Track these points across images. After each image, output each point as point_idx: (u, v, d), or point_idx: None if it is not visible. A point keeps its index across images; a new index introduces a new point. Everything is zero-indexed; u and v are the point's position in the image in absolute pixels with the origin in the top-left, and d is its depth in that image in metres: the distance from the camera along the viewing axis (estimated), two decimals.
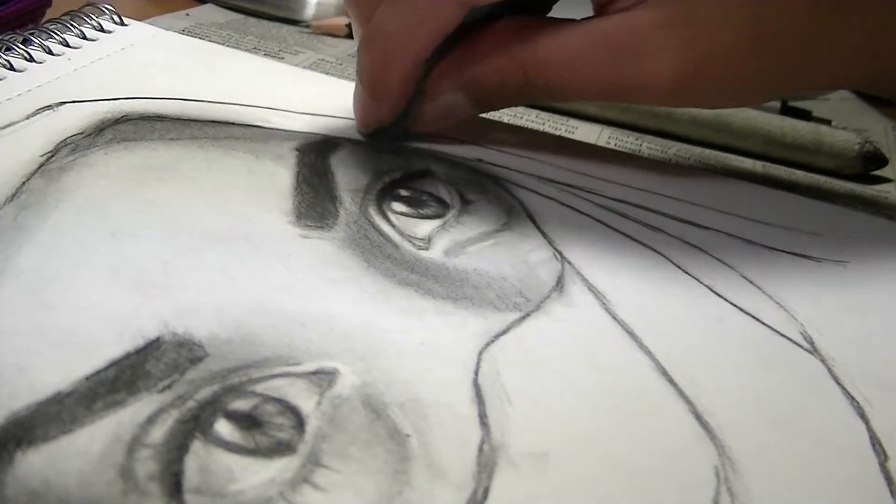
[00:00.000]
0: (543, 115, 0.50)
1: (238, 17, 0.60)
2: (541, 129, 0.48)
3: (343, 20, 0.58)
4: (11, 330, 0.26)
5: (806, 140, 0.46)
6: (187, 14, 0.58)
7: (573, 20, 0.36)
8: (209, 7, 0.62)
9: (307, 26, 0.59)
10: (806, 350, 0.30)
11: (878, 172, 0.46)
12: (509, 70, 0.37)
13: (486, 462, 0.24)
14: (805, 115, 0.50)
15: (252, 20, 0.60)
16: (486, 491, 0.23)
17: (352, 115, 0.41)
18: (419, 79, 0.38)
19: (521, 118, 0.49)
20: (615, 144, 0.47)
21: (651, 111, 0.48)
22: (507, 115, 0.49)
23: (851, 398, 0.28)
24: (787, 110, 0.51)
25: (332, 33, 0.58)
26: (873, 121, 0.54)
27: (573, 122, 0.49)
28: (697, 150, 0.48)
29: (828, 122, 0.50)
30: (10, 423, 0.23)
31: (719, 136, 0.48)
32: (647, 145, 0.47)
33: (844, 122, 0.51)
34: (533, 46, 0.36)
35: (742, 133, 0.47)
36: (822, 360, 0.29)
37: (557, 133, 0.48)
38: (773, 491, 0.24)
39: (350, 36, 0.58)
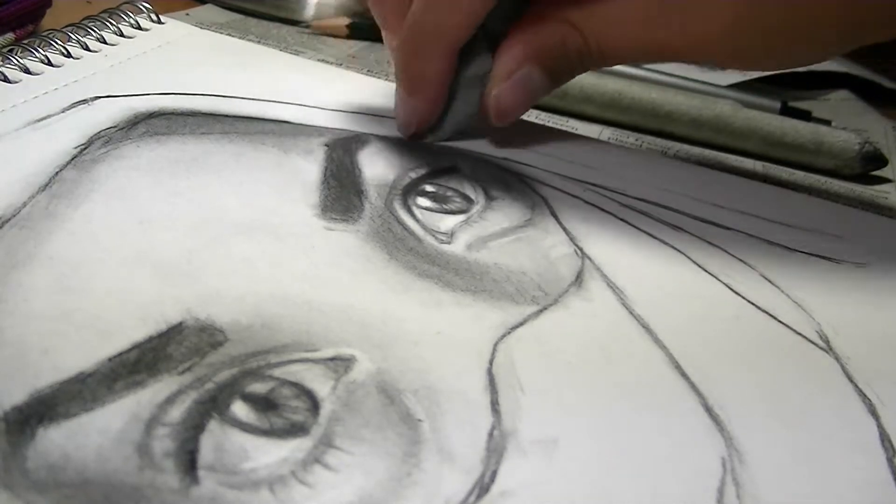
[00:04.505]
0: (544, 115, 0.50)
1: (238, 18, 0.60)
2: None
3: (343, 20, 0.58)
4: (38, 313, 0.26)
5: (806, 140, 0.46)
6: (187, 14, 0.59)
7: None
8: (209, 7, 0.62)
9: (307, 26, 0.59)
10: (821, 348, 0.30)
11: (877, 173, 0.46)
12: (570, 34, 0.37)
13: (496, 447, 0.24)
14: (805, 116, 0.50)
15: (252, 20, 0.60)
16: (494, 475, 0.23)
17: (381, 112, 0.41)
18: (455, 70, 0.38)
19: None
20: None
21: (651, 111, 0.49)
22: None
23: (863, 395, 0.28)
24: (787, 110, 0.51)
25: (332, 33, 0.58)
26: (873, 121, 0.54)
27: (573, 122, 0.49)
28: (697, 150, 0.48)
29: (828, 123, 0.49)
30: (33, 400, 0.23)
31: (719, 136, 0.48)
32: (647, 146, 0.47)
33: (844, 123, 0.51)
34: (589, 8, 0.36)
35: (742, 133, 0.47)
36: (837, 359, 0.30)
37: None
38: (778, 482, 0.24)
39: (350, 36, 0.58)
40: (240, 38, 0.53)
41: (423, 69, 0.38)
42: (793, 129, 0.47)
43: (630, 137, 0.48)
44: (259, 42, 0.55)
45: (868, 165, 0.46)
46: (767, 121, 0.47)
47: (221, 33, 0.54)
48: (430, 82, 0.38)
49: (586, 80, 0.49)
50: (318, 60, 0.53)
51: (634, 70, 0.53)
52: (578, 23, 0.37)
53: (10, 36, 0.46)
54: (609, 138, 0.48)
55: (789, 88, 0.56)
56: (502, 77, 0.38)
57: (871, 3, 0.33)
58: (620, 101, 0.49)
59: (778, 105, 0.51)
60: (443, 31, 0.37)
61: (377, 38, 0.56)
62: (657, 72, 0.53)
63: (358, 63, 0.53)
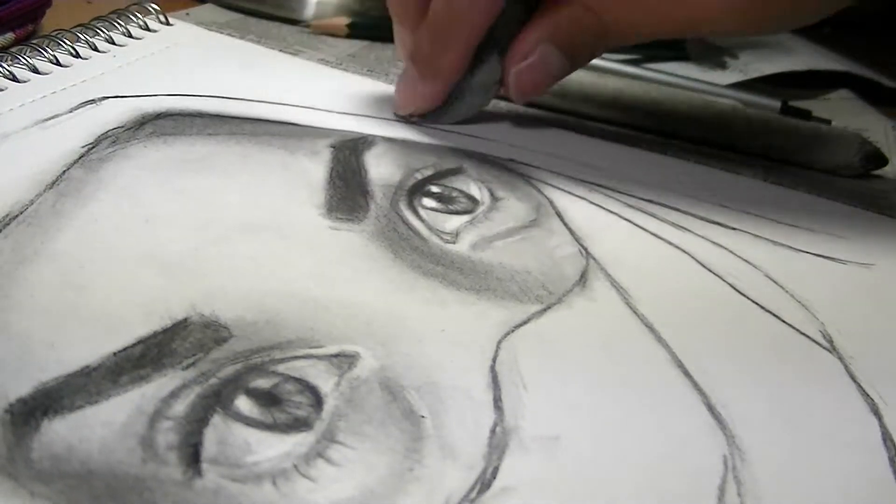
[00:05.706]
0: (544, 115, 0.50)
1: (238, 17, 0.60)
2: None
3: (343, 20, 0.58)
4: (44, 308, 0.27)
5: (806, 140, 0.46)
6: (187, 14, 0.58)
7: None
8: (209, 7, 0.62)
9: (307, 26, 0.58)
10: (824, 348, 0.30)
11: (878, 172, 0.46)
12: (585, 16, 0.39)
13: (498, 444, 0.24)
14: (805, 116, 0.50)
15: (252, 20, 0.60)
16: (496, 471, 0.23)
17: (387, 114, 0.41)
18: (469, 63, 0.40)
19: None
20: None
21: (651, 111, 0.48)
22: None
23: (866, 395, 0.28)
24: (787, 110, 0.50)
25: (332, 33, 0.58)
26: (873, 121, 0.54)
27: (574, 122, 0.49)
28: (697, 149, 0.47)
29: (828, 122, 0.49)
30: (38, 393, 0.23)
31: (719, 136, 0.47)
32: (646, 146, 0.47)
33: (844, 122, 0.51)
34: None
35: (742, 133, 0.47)
36: (840, 359, 0.30)
37: None
38: (779, 480, 0.24)
39: (349, 36, 0.58)
40: (239, 37, 0.53)
41: (440, 57, 0.40)
42: (793, 129, 0.47)
43: (630, 137, 0.48)
44: (259, 42, 0.55)
45: (868, 165, 0.45)
46: (767, 121, 0.47)
47: (221, 33, 0.54)
48: (444, 72, 0.41)
49: (586, 80, 0.49)
50: (318, 60, 0.53)
51: (634, 70, 0.53)
52: (594, 5, 0.39)
53: (9, 36, 0.46)
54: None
55: (789, 88, 0.56)
56: (520, 56, 0.40)
57: None
58: (620, 101, 0.48)
59: (778, 105, 0.51)
60: (467, 26, 0.39)
61: (377, 38, 0.57)
62: (657, 72, 0.53)
63: (357, 63, 0.53)
